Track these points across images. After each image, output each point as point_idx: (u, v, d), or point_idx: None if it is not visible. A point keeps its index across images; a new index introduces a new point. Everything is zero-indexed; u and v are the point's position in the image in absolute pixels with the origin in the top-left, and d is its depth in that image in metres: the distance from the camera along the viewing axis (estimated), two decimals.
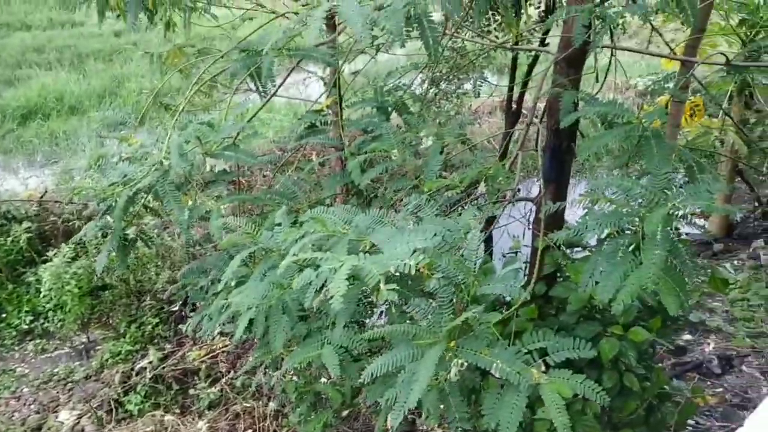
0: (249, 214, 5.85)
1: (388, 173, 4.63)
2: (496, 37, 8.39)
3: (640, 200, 3.02)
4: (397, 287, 3.27)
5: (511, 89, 9.23)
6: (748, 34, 8.53)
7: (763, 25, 8.13)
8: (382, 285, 2.46)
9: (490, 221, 5.71)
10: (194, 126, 4.16)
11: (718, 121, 8.59)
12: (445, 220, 3.46)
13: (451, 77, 10.42)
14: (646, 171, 3.27)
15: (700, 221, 10.24)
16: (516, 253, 6.03)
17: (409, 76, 7.09)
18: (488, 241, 9.55)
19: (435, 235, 3.24)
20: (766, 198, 10.13)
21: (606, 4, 4.69)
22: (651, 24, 4.25)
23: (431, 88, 10.38)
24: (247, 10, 8.55)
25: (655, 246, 2.73)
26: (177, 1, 7.82)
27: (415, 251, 2.81)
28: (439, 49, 3.19)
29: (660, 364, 6.27)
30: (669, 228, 2.79)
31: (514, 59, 8.97)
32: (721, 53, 3.99)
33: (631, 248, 2.99)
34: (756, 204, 10.32)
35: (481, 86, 5.97)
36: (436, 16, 3.31)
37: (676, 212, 2.92)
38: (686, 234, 9.73)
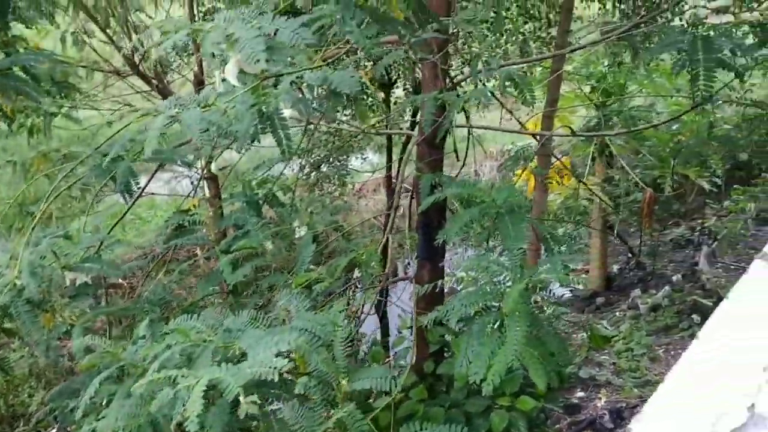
0: (130, 322, 5.56)
1: (263, 268, 4.56)
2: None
3: (501, 277, 3.09)
4: (273, 391, 3.18)
5: (389, 168, 9.46)
6: (600, 99, 9.21)
7: (611, 91, 8.81)
8: (241, 398, 2.35)
9: (380, 302, 5.70)
10: (49, 240, 3.94)
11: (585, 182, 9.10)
12: (317, 315, 3.40)
13: (331, 159, 10.59)
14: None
15: (582, 276, 10.70)
16: (411, 328, 6.04)
17: (291, 161, 7.11)
18: (384, 318, 9.54)
19: (306, 331, 3.18)
20: (638, 249, 10.73)
21: (457, 88, 4.93)
22: (501, 103, 4.49)
23: (313, 172, 10.50)
24: (115, 111, 8.41)
25: (516, 322, 2.79)
26: (37, 108, 7.57)
27: (279, 354, 2.73)
28: (294, 145, 3.22)
29: (557, 425, 6.36)
30: (527, 303, 2.85)
31: (389, 139, 9.24)
32: (567, 126, 4.23)
33: (497, 325, 3.04)
34: (630, 255, 10.90)
35: (346, 173, 6.04)
36: (287, 112, 3.33)
37: (538, 285, 3.01)
38: (570, 290, 10.13)
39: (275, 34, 2.49)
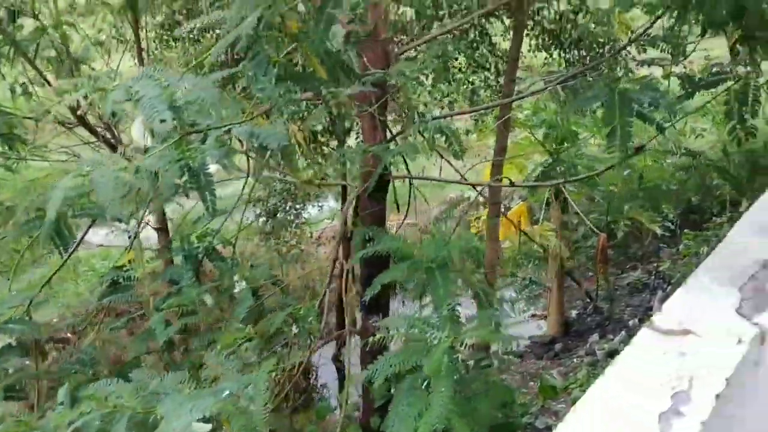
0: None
1: (216, 320, 4.44)
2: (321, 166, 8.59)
3: (428, 335, 3.02)
4: None
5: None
6: (554, 146, 9.32)
7: (563, 138, 8.93)
8: None
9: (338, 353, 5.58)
10: None
11: (538, 228, 9.14)
12: (244, 376, 3.28)
13: (288, 207, 10.52)
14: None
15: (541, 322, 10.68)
16: (355, 383, 5.91)
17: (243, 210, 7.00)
18: (342, 369, 9.34)
19: (231, 394, 3.07)
20: (595, 293, 10.74)
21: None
22: (439, 153, 4.49)
23: (268, 220, 10.40)
24: (63, 161, 8.25)
25: (441, 382, 2.71)
26: None
27: (200, 420, 2.62)
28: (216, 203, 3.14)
29: None
30: (453, 362, 2.78)
31: (344, 188, 9.18)
32: (506, 177, 4.23)
33: (425, 385, 2.95)
34: (588, 300, 10.91)
35: (302, 221, 5.97)
36: (213, 167, 3.26)
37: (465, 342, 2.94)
38: (528, 337, 10.06)
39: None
